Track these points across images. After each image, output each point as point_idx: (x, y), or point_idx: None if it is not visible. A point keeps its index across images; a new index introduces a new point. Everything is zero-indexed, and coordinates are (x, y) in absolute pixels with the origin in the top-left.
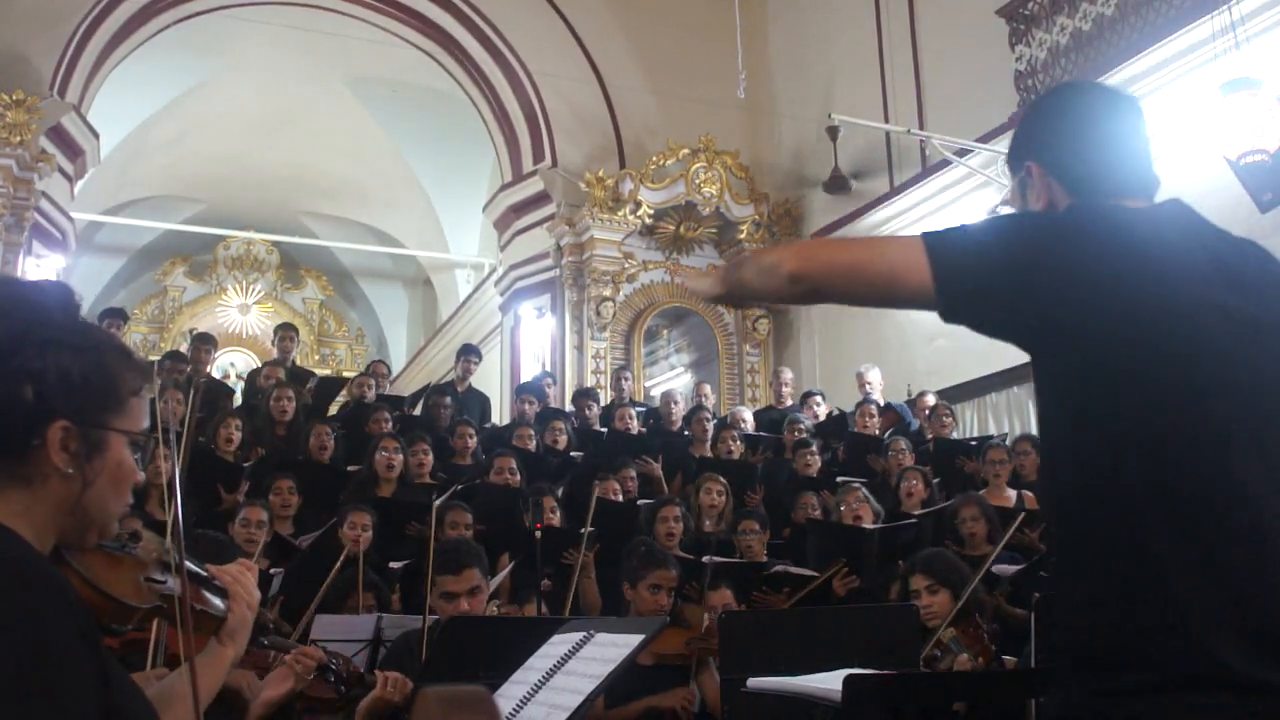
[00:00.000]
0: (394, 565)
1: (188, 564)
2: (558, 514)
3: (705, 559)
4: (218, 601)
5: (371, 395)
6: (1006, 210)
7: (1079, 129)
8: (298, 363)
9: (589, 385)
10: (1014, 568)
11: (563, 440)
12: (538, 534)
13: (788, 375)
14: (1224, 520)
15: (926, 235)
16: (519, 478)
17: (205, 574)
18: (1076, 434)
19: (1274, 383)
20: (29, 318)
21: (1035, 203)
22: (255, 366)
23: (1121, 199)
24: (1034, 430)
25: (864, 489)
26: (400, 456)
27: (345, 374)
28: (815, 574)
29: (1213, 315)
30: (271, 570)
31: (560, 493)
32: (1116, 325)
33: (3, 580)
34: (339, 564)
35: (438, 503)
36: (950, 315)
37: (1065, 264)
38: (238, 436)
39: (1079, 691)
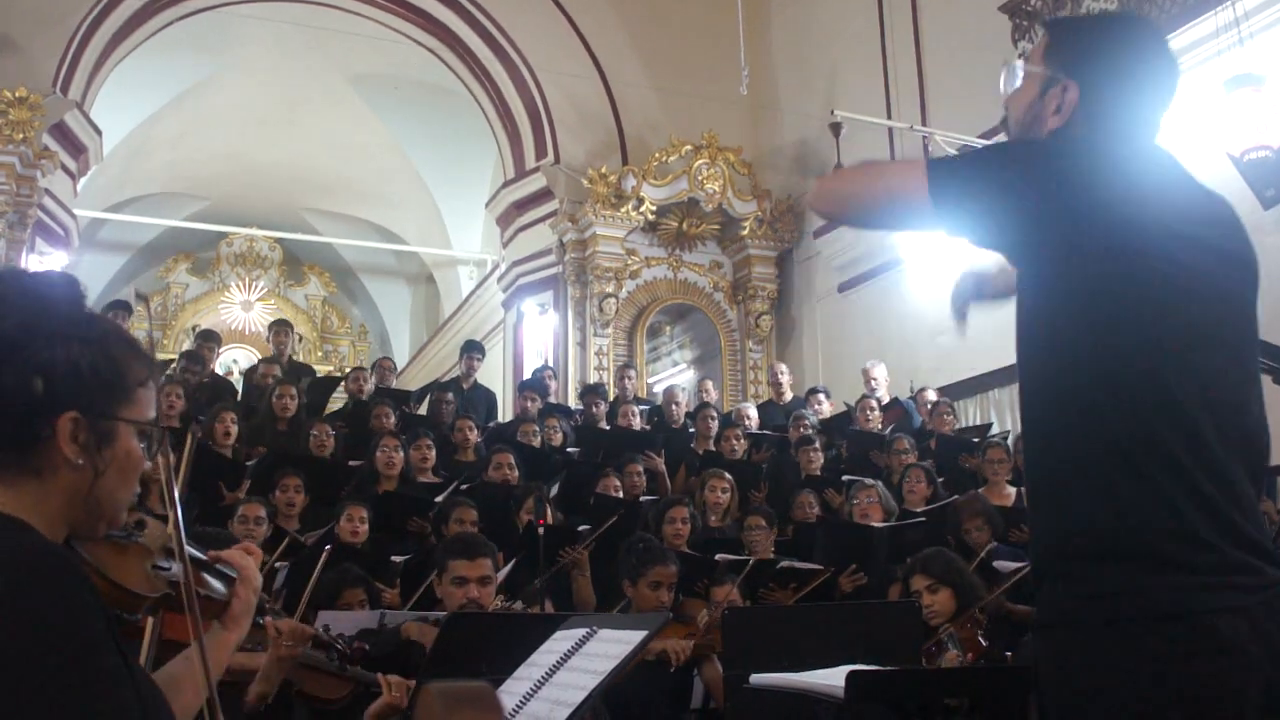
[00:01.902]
0: (396, 559)
1: (191, 550)
2: (549, 511)
3: (717, 557)
4: (220, 586)
5: (368, 390)
6: (1019, 65)
7: (1131, 77)
8: (299, 359)
9: (594, 381)
10: (1015, 564)
11: (558, 437)
12: (540, 530)
13: (783, 369)
14: (1186, 427)
15: (930, 158)
16: (517, 474)
17: (207, 559)
18: (1065, 338)
19: (1230, 303)
20: (37, 309)
21: (1049, 111)
22: (253, 363)
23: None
24: None
25: (880, 487)
26: (400, 454)
27: (346, 371)
28: (822, 568)
29: (1188, 244)
30: (277, 564)
31: (555, 490)
32: (1105, 240)
33: (32, 573)
34: (323, 558)
35: (440, 499)
36: (942, 217)
37: (1063, 178)
38: (234, 431)
39: (1083, 559)
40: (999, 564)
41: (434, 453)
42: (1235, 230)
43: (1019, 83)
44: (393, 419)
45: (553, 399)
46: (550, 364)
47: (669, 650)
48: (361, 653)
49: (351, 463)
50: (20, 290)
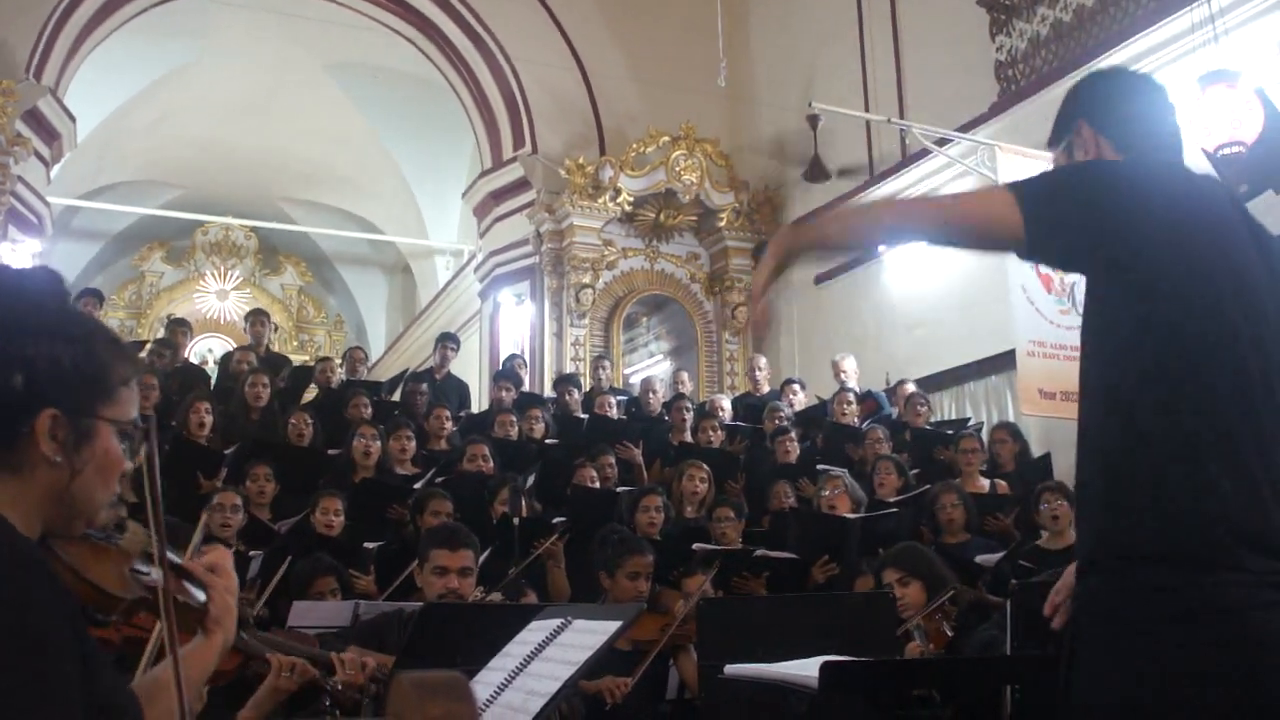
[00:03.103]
0: (369, 545)
1: (170, 556)
2: (524, 503)
3: (695, 546)
4: (197, 593)
5: (337, 379)
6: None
7: (1126, 94)
8: (275, 348)
9: (569, 372)
10: (996, 557)
11: (539, 428)
12: (515, 522)
13: (762, 362)
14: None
15: (1013, 185)
16: (492, 464)
17: (184, 566)
18: (1133, 351)
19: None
20: (19, 305)
21: (1080, 159)
22: (228, 350)
23: (1163, 155)
24: (1010, 418)
25: (846, 477)
26: (378, 444)
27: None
28: (795, 557)
29: (1244, 254)
30: (250, 554)
31: (531, 480)
32: (1171, 253)
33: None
34: (283, 568)
35: (419, 485)
36: (1032, 254)
37: (1133, 201)
38: (209, 420)
39: (1133, 561)
40: (981, 559)
41: (413, 444)
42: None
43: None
44: (369, 409)
45: (525, 388)
46: (524, 353)
47: (603, 690)
48: (354, 702)
49: (330, 451)
50: (1, 286)
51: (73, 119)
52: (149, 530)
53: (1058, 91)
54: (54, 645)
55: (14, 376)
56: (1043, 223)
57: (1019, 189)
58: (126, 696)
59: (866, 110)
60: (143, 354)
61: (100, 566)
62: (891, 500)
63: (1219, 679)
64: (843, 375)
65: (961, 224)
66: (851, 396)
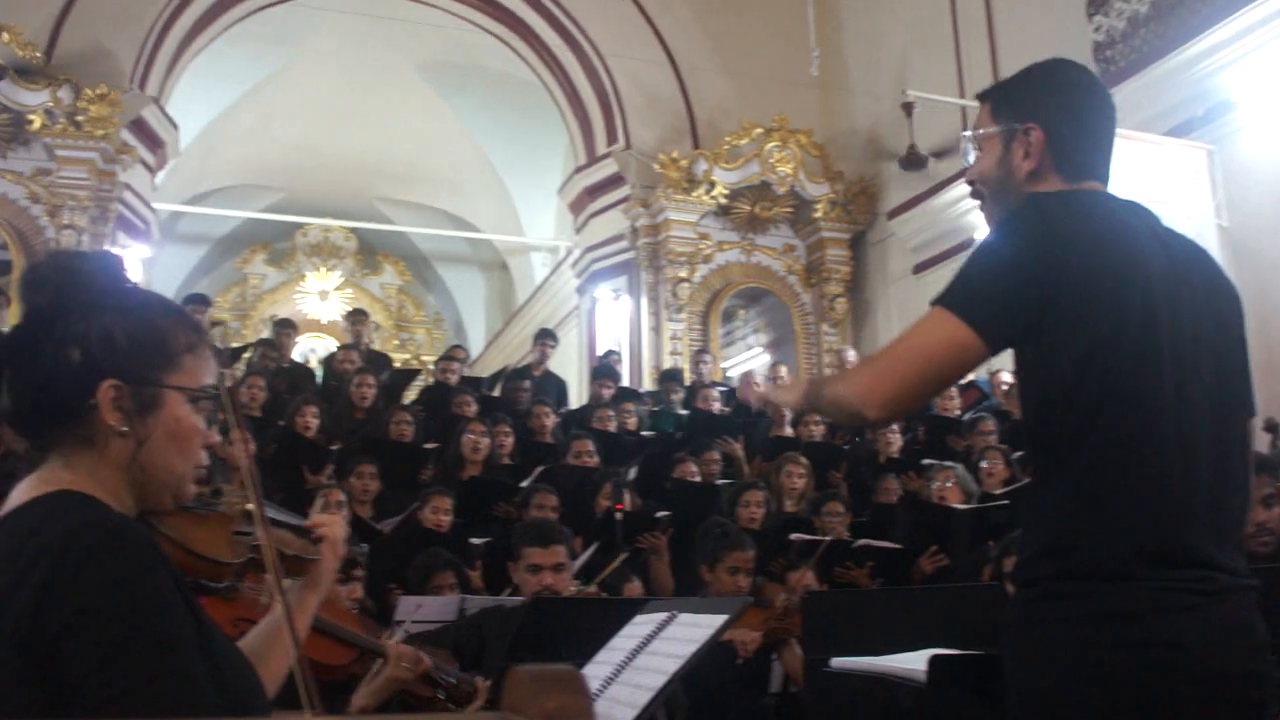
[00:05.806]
0: (475, 541)
1: (276, 513)
2: (628, 496)
3: (793, 536)
4: (309, 548)
5: (455, 379)
6: (969, 138)
7: (1085, 111)
8: (376, 347)
9: (669, 367)
10: None
11: (632, 421)
12: (618, 515)
13: (850, 355)
14: (1151, 456)
15: (945, 302)
16: (597, 459)
17: (295, 521)
18: (1045, 388)
19: (1194, 340)
20: (71, 284)
21: (1019, 159)
22: (330, 351)
23: (1088, 183)
24: None
25: (959, 469)
26: (487, 440)
27: (424, 358)
28: (900, 546)
29: (1152, 275)
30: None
31: (633, 474)
32: (1083, 308)
33: (98, 542)
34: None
35: (525, 484)
36: (995, 346)
37: (1046, 274)
38: (314, 423)
39: (1044, 578)
40: None
41: (512, 439)
42: (1190, 269)
43: (976, 152)
44: (474, 406)
45: (624, 383)
46: (621, 348)
47: (736, 642)
48: (468, 694)
49: (427, 445)
50: (55, 268)
51: (175, 127)
52: (244, 490)
53: (1158, 72)
54: (170, 613)
55: (72, 352)
56: (985, 318)
57: (944, 301)
58: (242, 660)
59: (961, 96)
60: (248, 354)
61: (204, 535)
62: (999, 491)
63: (1119, 677)
64: None
65: (927, 363)
66: (953, 388)
